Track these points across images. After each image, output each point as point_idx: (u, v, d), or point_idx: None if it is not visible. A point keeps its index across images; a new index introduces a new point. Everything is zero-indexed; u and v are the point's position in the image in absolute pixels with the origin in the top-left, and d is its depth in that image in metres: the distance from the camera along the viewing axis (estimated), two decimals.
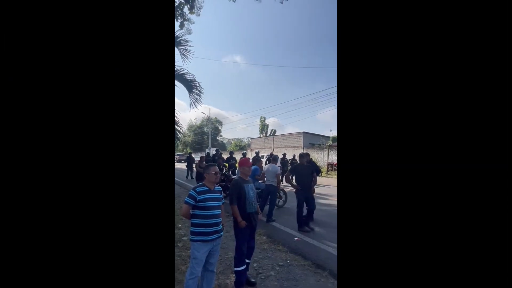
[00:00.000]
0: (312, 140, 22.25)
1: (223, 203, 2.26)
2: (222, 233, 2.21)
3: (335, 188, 9.30)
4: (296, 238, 3.93)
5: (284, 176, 4.37)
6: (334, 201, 6.88)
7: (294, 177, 4.51)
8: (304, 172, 4.39)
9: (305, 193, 4.32)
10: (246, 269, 2.56)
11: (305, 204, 5.03)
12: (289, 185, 4.53)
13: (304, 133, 22.47)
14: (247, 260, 2.57)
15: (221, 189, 2.32)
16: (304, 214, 4.97)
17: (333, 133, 24.20)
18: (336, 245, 3.63)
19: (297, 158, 12.26)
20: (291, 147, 21.74)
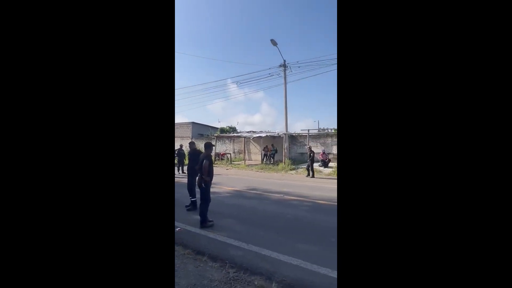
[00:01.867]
0: (201, 131, 22.34)
1: None
2: None
3: (221, 177, 9.80)
4: (177, 229, 3.88)
5: (203, 167, 3.75)
6: (219, 189, 7.23)
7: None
8: (211, 162, 4.24)
9: (209, 184, 4.08)
10: None
11: (191, 196, 5.03)
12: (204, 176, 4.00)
13: (193, 123, 22.18)
14: None
15: None
16: (188, 205, 4.97)
17: (221, 124, 25.22)
18: (217, 231, 3.86)
19: (184, 148, 11.99)
20: (180, 137, 20.98)
